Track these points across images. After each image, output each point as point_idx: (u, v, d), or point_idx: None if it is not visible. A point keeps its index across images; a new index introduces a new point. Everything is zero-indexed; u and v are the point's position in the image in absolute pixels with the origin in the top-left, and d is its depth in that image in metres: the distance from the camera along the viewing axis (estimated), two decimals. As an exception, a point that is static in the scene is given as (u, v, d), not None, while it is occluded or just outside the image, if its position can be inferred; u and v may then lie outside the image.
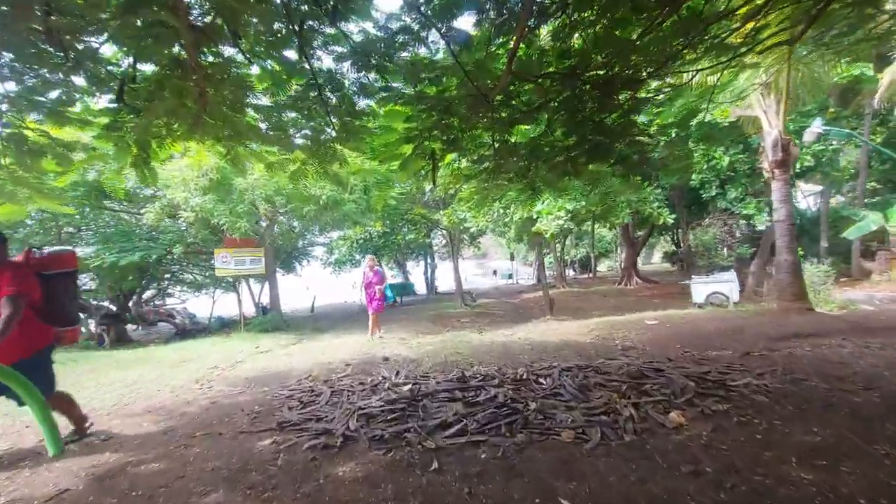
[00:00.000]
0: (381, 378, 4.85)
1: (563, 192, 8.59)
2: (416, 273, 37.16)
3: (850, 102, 12.45)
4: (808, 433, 2.68)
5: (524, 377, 4.40)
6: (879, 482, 2.08)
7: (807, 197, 31.03)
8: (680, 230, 18.76)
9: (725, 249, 14.52)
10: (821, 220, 17.80)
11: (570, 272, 48.56)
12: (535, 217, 10.30)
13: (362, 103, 3.63)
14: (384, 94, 3.33)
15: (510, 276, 43.04)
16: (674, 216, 10.23)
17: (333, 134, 3.95)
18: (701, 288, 13.12)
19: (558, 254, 31.15)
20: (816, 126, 8.51)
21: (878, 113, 13.24)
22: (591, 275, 38.92)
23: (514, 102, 3.57)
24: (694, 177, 14.43)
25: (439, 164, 4.22)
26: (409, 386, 4.31)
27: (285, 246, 17.06)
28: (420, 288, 32.72)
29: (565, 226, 10.03)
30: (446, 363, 5.61)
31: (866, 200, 16.53)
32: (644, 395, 3.63)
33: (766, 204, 14.38)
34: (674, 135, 5.27)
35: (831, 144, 12.91)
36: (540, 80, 3.14)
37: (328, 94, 3.44)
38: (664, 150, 5.48)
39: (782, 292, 6.97)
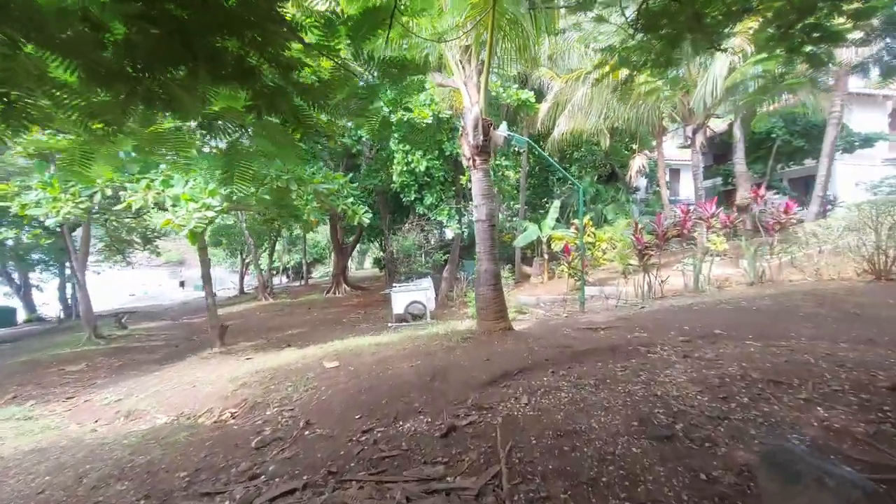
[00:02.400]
0: None
1: (186, 166, 5.37)
2: (50, 289, 26.05)
3: (517, 124, 14.11)
4: None
5: None
6: None
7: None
8: (384, 235, 18.09)
9: (423, 256, 14.16)
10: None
11: (282, 280, 44.97)
12: (170, 205, 6.55)
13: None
14: None
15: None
16: (369, 218, 8.30)
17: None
18: (401, 298, 12.13)
19: (249, 259, 26.87)
20: (502, 129, 8.03)
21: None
22: (303, 282, 36.51)
23: None
24: (395, 179, 13.50)
25: None
26: None
27: None
28: (52, 311, 22.69)
29: (212, 220, 6.73)
30: None
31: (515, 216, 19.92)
32: None
33: (457, 212, 14.83)
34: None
35: (505, 158, 14.16)
36: None
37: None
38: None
39: (485, 310, 5.76)
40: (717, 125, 26.88)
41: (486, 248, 5.58)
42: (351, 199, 8.37)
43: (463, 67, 5.51)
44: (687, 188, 29.24)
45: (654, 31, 4.83)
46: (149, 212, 10.96)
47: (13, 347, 13.80)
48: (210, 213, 6.53)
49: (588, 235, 12.77)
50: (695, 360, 4.19)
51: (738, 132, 16.42)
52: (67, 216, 7.14)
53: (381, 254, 17.64)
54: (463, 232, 25.30)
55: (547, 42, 16.88)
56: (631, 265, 13.31)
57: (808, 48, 5.35)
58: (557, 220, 15.27)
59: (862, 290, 6.63)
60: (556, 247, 13.84)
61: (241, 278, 33.38)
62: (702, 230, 9.44)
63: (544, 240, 14.95)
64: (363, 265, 49.34)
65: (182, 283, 36.84)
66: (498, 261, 5.76)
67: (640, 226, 9.57)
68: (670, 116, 12.02)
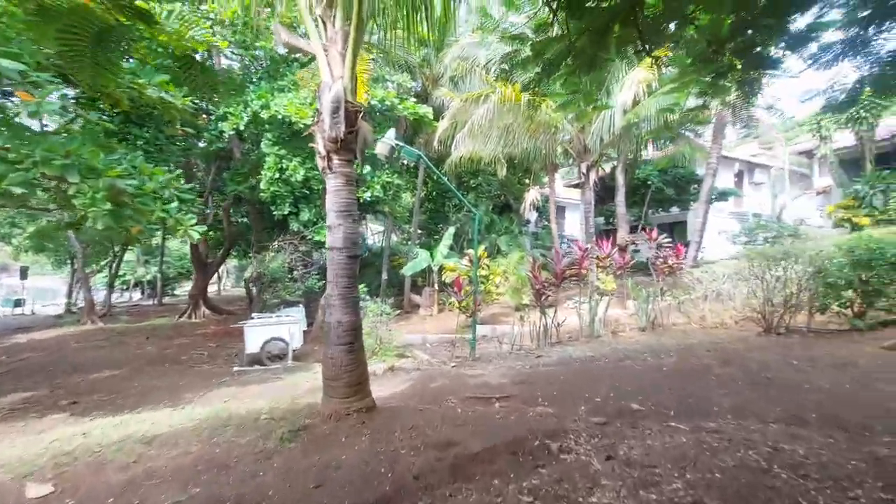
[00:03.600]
0: None
1: None
2: None
3: (413, 141, 12.87)
4: None
5: None
6: None
7: (374, 234, 35.45)
8: (253, 254, 15.33)
9: (294, 280, 11.93)
10: (384, 253, 18.77)
11: (134, 296, 38.38)
12: None
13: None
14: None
15: (18, 304, 28.73)
16: (200, 233, 6.11)
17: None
18: (256, 334, 9.77)
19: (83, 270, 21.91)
20: (390, 135, 6.55)
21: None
22: (156, 302, 31.19)
23: None
24: (263, 187, 11.22)
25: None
26: None
27: None
28: None
29: None
30: None
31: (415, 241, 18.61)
32: None
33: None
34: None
35: (396, 179, 12.71)
36: None
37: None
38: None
39: (335, 382, 3.95)
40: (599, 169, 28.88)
41: (341, 291, 3.84)
42: (175, 205, 6.11)
43: (324, 26, 3.89)
44: (572, 225, 30.77)
45: (577, 16, 3.75)
46: None
47: None
48: None
49: (482, 268, 11.75)
50: (623, 466, 2.94)
51: (620, 176, 17.19)
52: None
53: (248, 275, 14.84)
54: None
55: (448, 66, 16.24)
56: (525, 305, 12.58)
57: (738, 74, 4.74)
58: (451, 249, 14.17)
59: (758, 344, 6.29)
60: (449, 278, 12.63)
61: (70, 293, 27.12)
62: (594, 270, 8.99)
63: (436, 269, 13.71)
64: (241, 283, 44.07)
65: (-18, 298, 28.71)
66: (359, 309, 4.08)
67: (537, 262, 8.74)
68: (566, 151, 11.83)
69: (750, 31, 4.11)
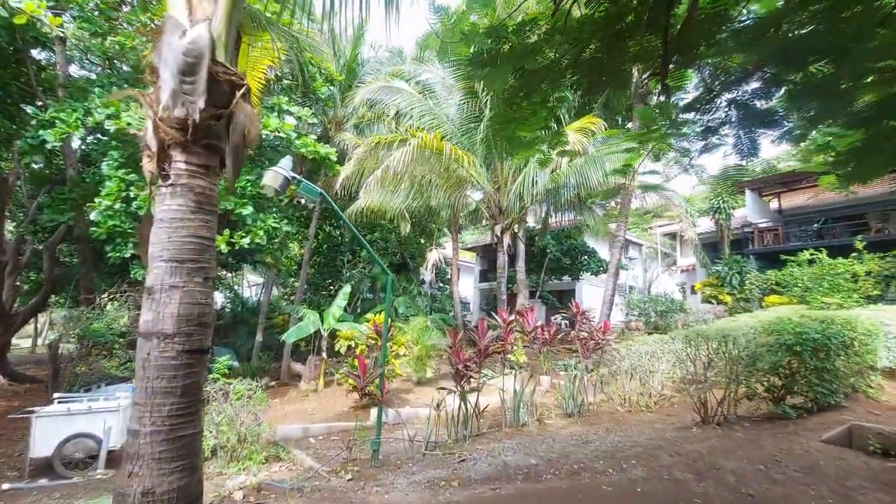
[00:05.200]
0: None
1: None
2: None
3: (316, 180, 11.05)
4: None
5: None
6: None
7: (251, 287, 31.15)
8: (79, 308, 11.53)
9: (124, 349, 8.85)
10: (260, 310, 15.89)
11: None
12: None
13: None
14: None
15: None
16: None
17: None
18: (51, 427, 6.66)
19: None
20: (285, 165, 4.92)
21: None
22: None
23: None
24: (96, 219, 8.36)
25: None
26: None
27: None
28: None
29: None
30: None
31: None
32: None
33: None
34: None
35: (284, 226, 10.69)
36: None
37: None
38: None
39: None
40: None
41: (164, 424, 1.91)
42: None
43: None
44: (465, 288, 30.53)
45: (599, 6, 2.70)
46: None
47: None
48: None
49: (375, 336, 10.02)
50: None
51: (521, 242, 17.20)
52: None
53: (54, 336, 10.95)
54: (223, 308, 19.40)
55: (356, 109, 15.13)
56: (428, 378, 10.97)
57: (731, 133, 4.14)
58: (344, 310, 12.19)
59: (709, 441, 5.52)
60: (339, 345, 10.59)
61: None
62: (518, 345, 7.96)
63: (325, 333, 11.53)
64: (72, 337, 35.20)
65: None
66: (199, 463, 2.14)
67: (458, 334, 7.36)
68: (475, 211, 11.17)
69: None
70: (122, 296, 9.15)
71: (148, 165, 2.16)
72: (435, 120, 11.35)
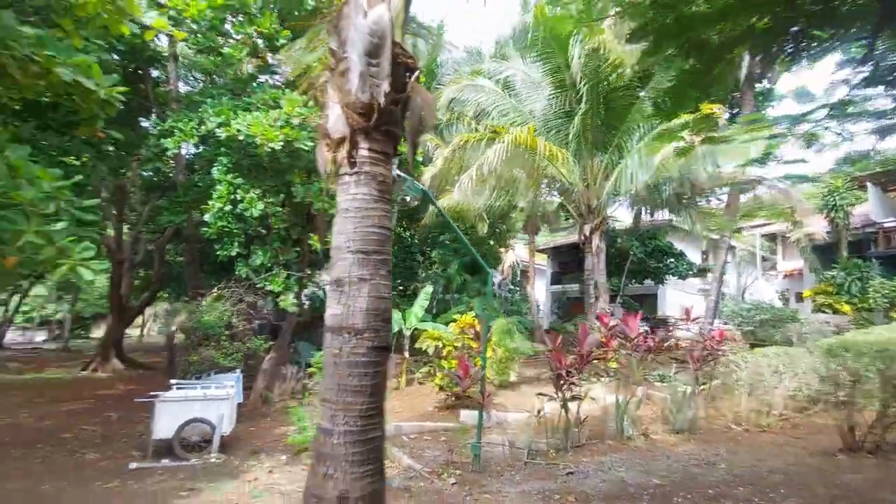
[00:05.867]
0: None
1: None
2: None
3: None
4: None
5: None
6: None
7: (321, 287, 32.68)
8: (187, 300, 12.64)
9: (232, 340, 9.49)
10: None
11: (37, 336, 33.43)
12: None
13: None
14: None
15: None
16: (95, 274, 3.88)
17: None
18: (170, 412, 7.20)
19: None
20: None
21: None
22: (63, 346, 26.83)
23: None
24: (209, 220, 9.02)
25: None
26: None
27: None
28: None
29: None
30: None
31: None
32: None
33: (297, 282, 10.69)
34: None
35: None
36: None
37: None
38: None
39: None
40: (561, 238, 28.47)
41: (354, 425, 1.84)
42: (63, 225, 3.95)
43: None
44: (537, 291, 29.79)
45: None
46: None
47: None
48: None
49: (470, 337, 9.87)
50: None
51: (602, 243, 16.36)
52: None
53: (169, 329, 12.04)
54: (303, 306, 20.35)
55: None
56: (510, 383, 10.68)
57: None
58: (426, 311, 12.25)
59: (862, 472, 4.76)
60: (426, 345, 10.60)
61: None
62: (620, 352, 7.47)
63: (407, 333, 11.66)
64: (172, 328, 39.34)
65: None
66: (383, 466, 2.01)
67: (558, 338, 7.00)
68: (569, 209, 10.74)
69: None
70: (228, 291, 9.83)
71: (327, 155, 2.12)
72: (519, 117, 11.05)
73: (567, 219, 18.89)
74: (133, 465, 6.76)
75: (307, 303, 22.88)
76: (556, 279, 29.31)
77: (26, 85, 5.98)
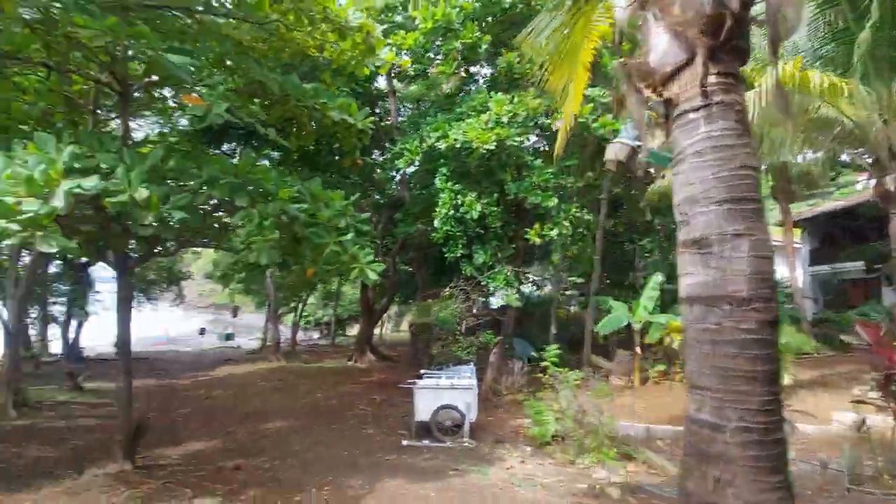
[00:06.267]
0: None
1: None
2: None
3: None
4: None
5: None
6: None
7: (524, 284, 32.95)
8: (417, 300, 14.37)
9: (465, 334, 10.21)
10: (552, 303, 16.15)
11: (314, 335, 42.29)
12: None
13: None
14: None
15: (228, 337, 33.50)
16: (378, 272, 4.54)
17: None
18: (427, 398, 8.06)
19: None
20: (628, 135, 4.35)
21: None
22: (330, 341, 33.60)
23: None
24: (437, 225, 9.93)
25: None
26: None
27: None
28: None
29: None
30: None
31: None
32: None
33: (515, 277, 10.89)
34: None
35: (585, 214, 10.36)
36: None
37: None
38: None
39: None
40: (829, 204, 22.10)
41: (749, 421, 1.52)
42: (350, 236, 4.73)
43: None
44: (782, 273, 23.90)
45: None
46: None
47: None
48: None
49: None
50: None
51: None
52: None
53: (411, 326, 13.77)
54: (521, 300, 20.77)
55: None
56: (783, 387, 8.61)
57: None
58: (655, 304, 10.96)
59: None
60: (667, 340, 9.46)
61: (266, 332, 30.80)
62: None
63: (636, 326, 10.62)
64: (399, 327, 46.11)
65: (202, 331, 34.28)
66: (788, 470, 1.64)
67: (881, 328, 5.23)
68: (853, 161, 8.07)
69: None
70: (458, 291, 10.69)
71: (642, 98, 1.84)
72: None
73: (835, 178, 14.56)
74: (405, 443, 7.78)
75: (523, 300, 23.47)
76: (816, 258, 23.08)
77: (308, 132, 7.49)
